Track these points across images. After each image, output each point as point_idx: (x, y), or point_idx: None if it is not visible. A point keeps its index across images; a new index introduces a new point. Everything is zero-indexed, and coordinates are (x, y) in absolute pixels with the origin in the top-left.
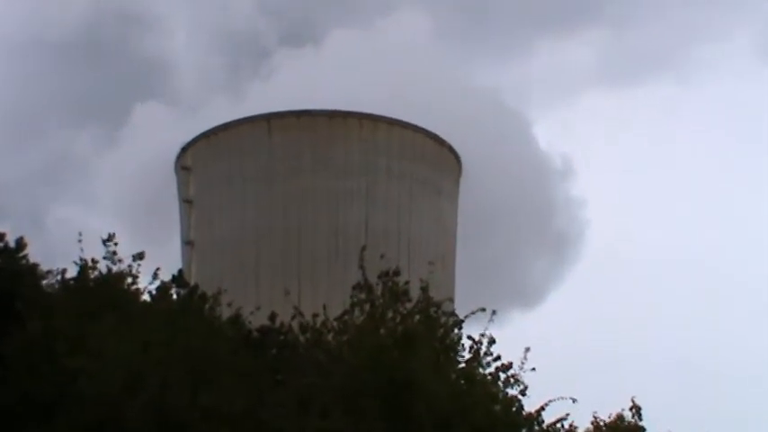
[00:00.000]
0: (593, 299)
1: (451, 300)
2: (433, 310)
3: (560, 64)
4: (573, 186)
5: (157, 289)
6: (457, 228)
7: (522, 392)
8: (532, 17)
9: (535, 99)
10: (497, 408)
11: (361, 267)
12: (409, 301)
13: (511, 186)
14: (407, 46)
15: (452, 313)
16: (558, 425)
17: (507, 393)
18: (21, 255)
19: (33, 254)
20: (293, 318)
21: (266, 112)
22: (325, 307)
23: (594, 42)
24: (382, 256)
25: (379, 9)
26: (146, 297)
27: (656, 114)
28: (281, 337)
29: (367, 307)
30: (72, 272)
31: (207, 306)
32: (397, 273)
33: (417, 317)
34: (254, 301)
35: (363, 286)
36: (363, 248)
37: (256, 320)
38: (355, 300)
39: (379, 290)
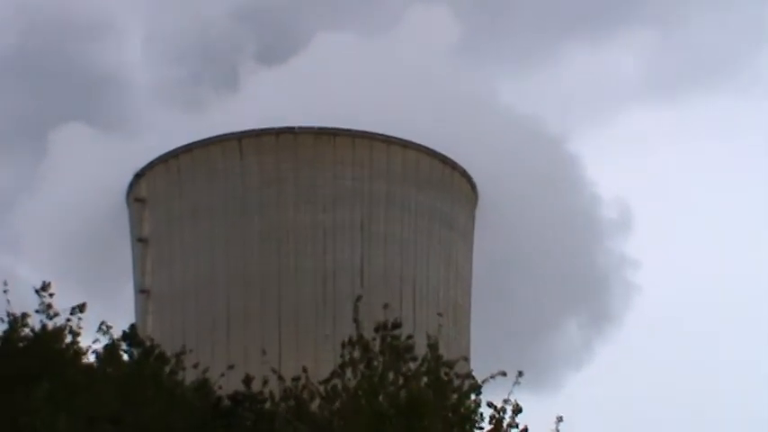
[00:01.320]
0: (637, 370)
1: (466, 359)
2: (443, 371)
3: (597, 74)
4: (615, 228)
5: (104, 348)
6: (472, 271)
7: None
8: (563, 19)
9: (568, 116)
10: None
11: (356, 320)
12: (414, 360)
13: (539, 222)
14: (410, 52)
15: (468, 375)
16: None
17: None
18: None
19: None
20: (265, 382)
21: (238, 131)
22: (305, 370)
23: (637, 48)
24: (386, 306)
25: (377, 11)
26: (90, 359)
27: (713, 132)
28: (258, 406)
29: (362, 367)
30: None
31: (166, 369)
32: (397, 325)
33: (425, 379)
34: (224, 362)
35: (358, 342)
36: (359, 298)
37: (228, 385)
38: (347, 359)
39: (376, 346)
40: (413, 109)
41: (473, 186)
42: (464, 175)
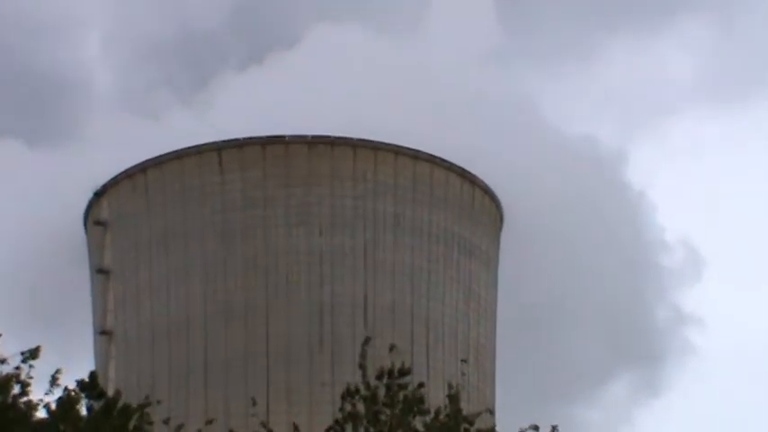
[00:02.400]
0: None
1: (491, 411)
2: (464, 427)
3: (646, 76)
4: (673, 271)
5: (59, 401)
6: (497, 306)
7: None
8: (605, 11)
9: (613, 126)
10: None
11: (362, 366)
12: (427, 413)
13: (578, 253)
14: (422, 51)
15: (492, 430)
16: None
17: None
18: None
19: None
20: None
21: (217, 141)
22: (296, 428)
23: (692, 46)
24: (393, 348)
25: (388, 4)
26: (42, 413)
27: None
28: None
29: (366, 423)
30: None
31: (131, 424)
32: (407, 371)
33: None
34: (201, 414)
35: (362, 392)
36: (367, 341)
37: None
38: (348, 412)
39: (382, 396)
40: (425, 115)
41: (498, 206)
42: (487, 192)
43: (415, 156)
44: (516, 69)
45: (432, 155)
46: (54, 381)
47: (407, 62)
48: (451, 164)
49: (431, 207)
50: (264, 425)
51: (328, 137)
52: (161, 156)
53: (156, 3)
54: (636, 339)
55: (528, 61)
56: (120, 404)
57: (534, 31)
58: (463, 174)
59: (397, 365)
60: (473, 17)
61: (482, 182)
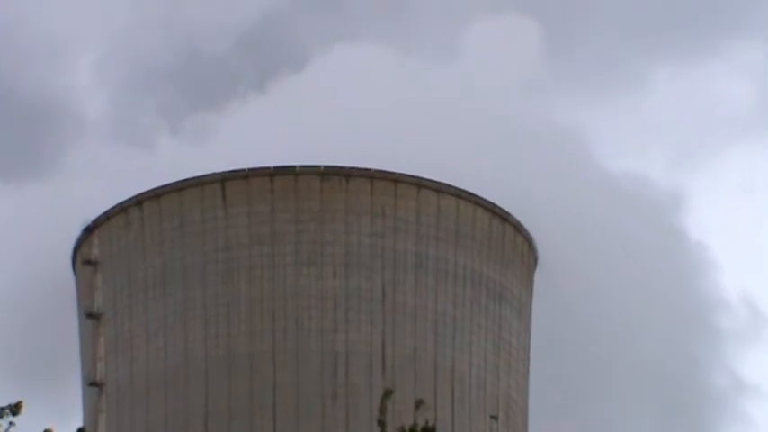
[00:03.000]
0: None
1: None
2: None
3: (696, 104)
4: (728, 329)
5: None
6: (530, 357)
7: None
8: (652, 39)
9: (660, 159)
10: None
11: (381, 423)
12: None
13: (620, 299)
14: (446, 74)
15: None
16: None
17: None
18: None
19: None
20: None
21: (220, 171)
22: None
23: (745, 70)
24: (419, 405)
25: (397, 21)
26: None
27: None
28: None
29: None
30: None
31: None
32: (429, 430)
33: None
34: None
35: None
36: (388, 393)
37: None
38: None
39: None
40: (452, 145)
41: (531, 246)
42: (519, 230)
43: (440, 189)
44: (555, 98)
45: (458, 188)
46: None
47: (434, 87)
48: (480, 198)
49: (457, 246)
50: None
51: (343, 168)
52: (158, 188)
53: (153, 25)
54: (686, 408)
55: (569, 89)
56: None
57: (577, 57)
58: (493, 210)
59: (421, 422)
60: (510, 41)
61: (514, 219)
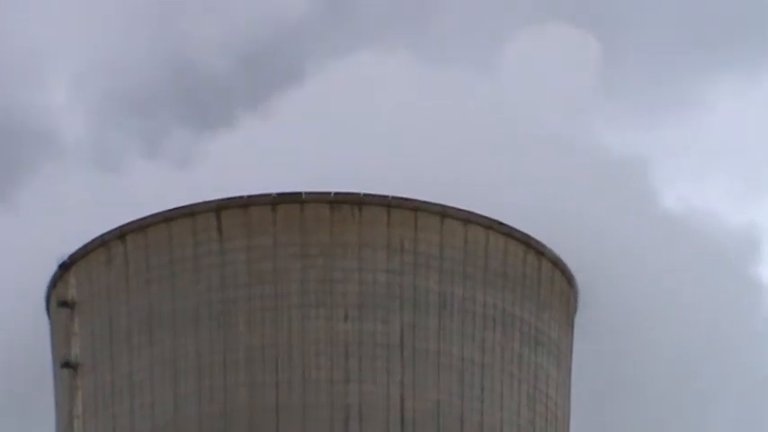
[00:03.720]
0: None
1: None
2: None
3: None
4: None
5: None
6: (570, 410)
7: None
8: (713, 51)
9: (723, 187)
10: None
11: None
12: None
13: (678, 345)
14: (484, 90)
15: None
16: None
17: None
18: None
19: None
20: None
21: (215, 199)
22: None
23: None
24: None
25: (421, 29)
26: None
27: None
28: None
29: None
30: None
31: None
32: None
33: None
34: None
35: None
36: None
37: None
38: None
39: None
40: (481, 169)
41: (572, 285)
42: (558, 266)
43: (467, 219)
44: (603, 116)
45: (488, 218)
46: None
47: (462, 103)
48: (513, 229)
49: (486, 284)
50: None
51: (356, 195)
52: (144, 218)
53: (138, 38)
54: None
55: (619, 107)
56: None
57: (630, 72)
58: (528, 242)
59: None
60: (556, 54)
61: (552, 253)
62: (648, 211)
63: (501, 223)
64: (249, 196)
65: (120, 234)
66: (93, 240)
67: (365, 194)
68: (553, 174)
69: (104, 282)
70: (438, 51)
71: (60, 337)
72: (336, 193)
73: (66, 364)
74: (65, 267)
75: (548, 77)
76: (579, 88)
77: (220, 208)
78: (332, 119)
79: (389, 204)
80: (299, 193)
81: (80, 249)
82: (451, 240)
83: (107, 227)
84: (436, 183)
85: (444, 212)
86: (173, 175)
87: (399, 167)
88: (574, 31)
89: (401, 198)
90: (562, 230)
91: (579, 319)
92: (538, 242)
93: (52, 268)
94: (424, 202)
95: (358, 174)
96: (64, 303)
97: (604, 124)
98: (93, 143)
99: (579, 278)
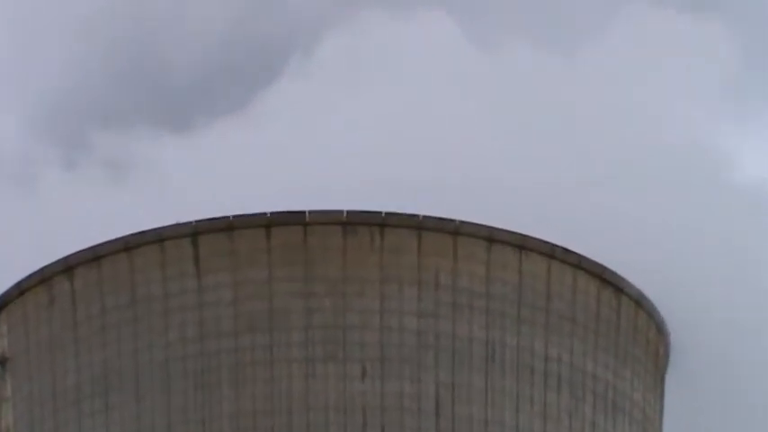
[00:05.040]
0: None
1: None
2: None
3: None
4: None
5: None
6: None
7: None
8: None
9: None
10: None
11: None
12: None
13: None
14: (558, 78)
15: None
16: None
17: None
18: None
19: None
20: None
21: (190, 221)
22: None
23: None
24: None
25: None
26: None
27: None
28: None
29: None
30: None
31: None
32: None
33: None
34: None
35: None
36: None
37: None
38: None
39: None
40: (541, 180)
41: (661, 331)
42: (643, 307)
43: (522, 245)
44: (729, 121)
45: (550, 243)
46: None
47: (525, 95)
48: (583, 258)
49: (547, 330)
50: None
51: (377, 213)
52: (97, 246)
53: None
54: None
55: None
56: None
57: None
58: (603, 275)
59: None
60: (666, 43)
61: (636, 290)
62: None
63: (567, 250)
64: (236, 217)
65: (67, 267)
66: (31, 276)
67: (388, 213)
68: (639, 187)
69: (45, 330)
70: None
71: None
72: (351, 212)
73: None
74: None
75: (655, 71)
76: (700, 86)
77: (198, 232)
78: (331, 112)
79: (421, 226)
80: (302, 212)
81: (13, 288)
82: (502, 273)
83: (48, 258)
84: (481, 198)
85: (492, 236)
86: (132, 190)
87: (431, 178)
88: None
89: (436, 218)
90: (649, 261)
91: (671, 377)
92: (616, 275)
93: None
94: (466, 224)
95: (374, 186)
96: None
97: (714, 130)
98: (25, 154)
99: (671, 323)
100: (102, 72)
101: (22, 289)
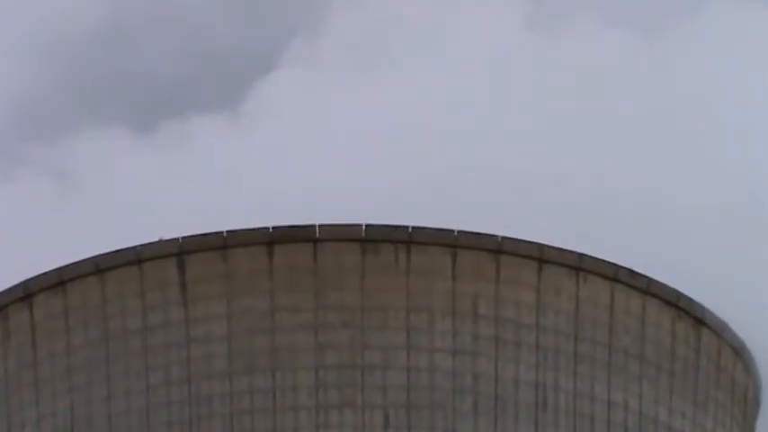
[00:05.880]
0: None
1: None
2: None
3: None
4: None
5: None
6: None
7: None
8: None
9: None
10: None
11: None
12: None
13: None
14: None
15: None
16: None
17: None
18: None
19: None
20: None
21: (175, 237)
22: None
23: None
24: None
25: None
26: None
27: None
28: None
29: None
30: None
31: None
32: None
33: None
34: None
35: None
36: None
37: None
38: None
39: None
40: (594, 193)
41: (750, 369)
42: (727, 339)
43: (579, 266)
44: None
45: (614, 264)
46: None
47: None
48: (654, 282)
49: (611, 370)
50: None
51: (402, 228)
52: (61, 269)
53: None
54: None
55: None
56: None
57: None
58: (678, 303)
59: None
60: None
61: (718, 321)
62: None
63: (634, 272)
64: (230, 232)
65: (25, 294)
66: None
67: (416, 228)
68: (726, 200)
69: (0, 370)
70: None
71: None
72: (371, 226)
73: None
74: None
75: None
76: None
77: (185, 251)
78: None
79: (456, 243)
80: (311, 227)
81: None
82: (555, 301)
83: (3, 282)
84: (521, 211)
85: (543, 256)
86: (103, 201)
87: (462, 186)
88: None
89: (473, 233)
90: (735, 286)
91: (762, 426)
92: (695, 303)
93: None
94: (511, 240)
95: (392, 194)
96: None
97: None
98: None
99: (761, 361)
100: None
101: None
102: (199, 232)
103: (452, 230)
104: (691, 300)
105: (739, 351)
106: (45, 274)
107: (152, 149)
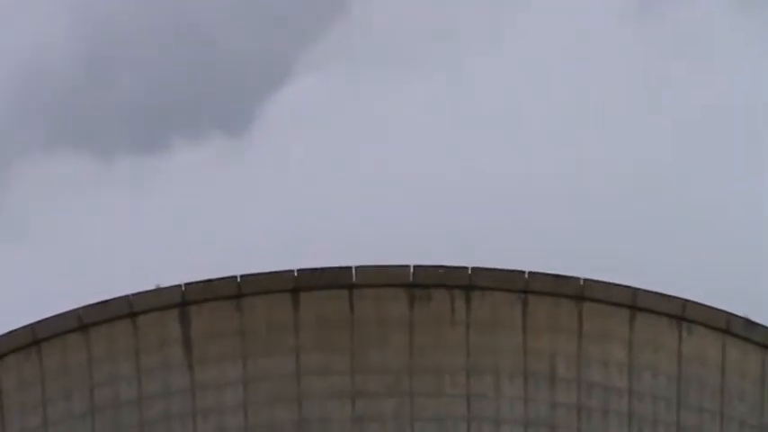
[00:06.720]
0: None
1: None
2: None
3: None
4: None
5: None
6: None
7: None
8: None
9: None
10: None
11: None
12: None
13: None
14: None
15: None
16: None
17: None
18: None
19: None
20: None
21: (177, 284)
22: None
23: None
24: None
25: None
26: None
27: None
28: None
29: None
30: None
31: None
32: None
33: None
34: None
35: None
36: None
37: None
38: None
39: None
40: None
41: None
42: None
43: (682, 315)
44: None
45: (722, 311)
46: None
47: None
48: (748, 322)
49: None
50: None
51: (461, 269)
52: (36, 325)
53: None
54: None
55: None
56: None
57: None
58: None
59: None
60: None
61: None
62: None
63: (751, 322)
64: (245, 277)
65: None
66: None
67: (477, 269)
68: None
69: None
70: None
71: None
72: (421, 268)
73: None
74: None
75: None
76: None
77: (189, 300)
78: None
79: (527, 288)
80: (346, 269)
81: None
82: (652, 359)
83: None
84: (611, 250)
85: (635, 303)
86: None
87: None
88: None
89: (550, 275)
90: None
91: None
92: None
93: None
94: (595, 283)
95: (450, 234)
96: None
97: None
98: None
99: None
100: None
101: None
102: (204, 277)
103: (522, 271)
104: None
105: None
106: (14, 331)
107: (124, 184)
